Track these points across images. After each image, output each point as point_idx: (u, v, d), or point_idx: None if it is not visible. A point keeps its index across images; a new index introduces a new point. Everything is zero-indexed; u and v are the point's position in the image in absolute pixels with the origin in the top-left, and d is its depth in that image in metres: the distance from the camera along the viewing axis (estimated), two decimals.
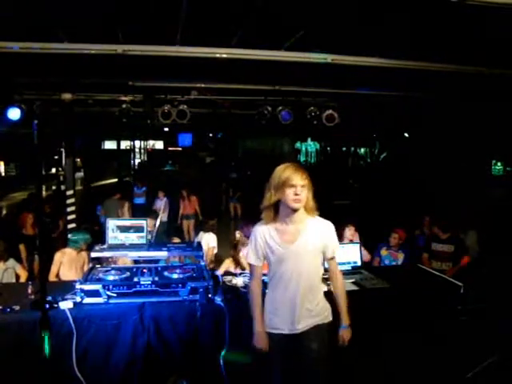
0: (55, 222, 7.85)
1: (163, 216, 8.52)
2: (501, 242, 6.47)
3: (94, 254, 3.66)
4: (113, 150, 21.49)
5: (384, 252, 5.62)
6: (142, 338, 3.31)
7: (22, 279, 4.87)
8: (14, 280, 4.80)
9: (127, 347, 3.29)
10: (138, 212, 9.30)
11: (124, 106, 6.75)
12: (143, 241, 3.78)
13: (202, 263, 3.82)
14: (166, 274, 3.60)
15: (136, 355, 3.30)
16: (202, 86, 6.50)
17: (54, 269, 4.66)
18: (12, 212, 10.67)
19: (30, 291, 3.46)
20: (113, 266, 4.02)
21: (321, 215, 2.72)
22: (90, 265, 3.85)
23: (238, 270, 4.70)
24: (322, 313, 2.71)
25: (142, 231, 3.80)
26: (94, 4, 3.48)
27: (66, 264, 4.73)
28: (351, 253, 4.45)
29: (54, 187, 14.72)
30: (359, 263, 4.46)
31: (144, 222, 3.85)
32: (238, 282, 3.82)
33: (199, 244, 4.03)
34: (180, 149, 24.56)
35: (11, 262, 4.88)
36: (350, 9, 3.51)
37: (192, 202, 9.71)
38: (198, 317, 3.30)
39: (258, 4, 3.46)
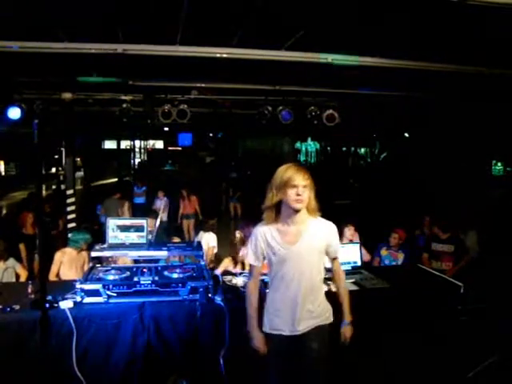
0: (55, 222, 7.86)
1: (163, 216, 8.54)
2: (501, 242, 6.47)
3: (94, 254, 3.66)
4: (113, 150, 21.54)
5: (384, 252, 5.63)
6: (142, 337, 3.31)
7: (22, 278, 4.87)
8: (14, 279, 4.81)
9: (127, 347, 3.29)
10: (137, 211, 9.31)
11: (124, 105, 6.75)
12: (143, 240, 3.78)
13: (202, 263, 3.82)
14: (166, 273, 3.60)
15: (136, 355, 3.30)
16: (203, 85, 6.50)
17: (54, 268, 4.67)
18: (12, 211, 10.67)
19: (30, 290, 3.46)
20: (113, 265, 4.02)
21: (321, 215, 2.71)
22: (90, 264, 3.86)
23: (237, 270, 4.70)
24: (323, 314, 2.70)
25: (142, 231, 3.80)
26: (94, 3, 3.48)
27: (67, 263, 4.73)
28: (351, 253, 4.45)
29: (54, 186, 14.74)
30: (359, 263, 4.47)
31: (144, 221, 3.85)
32: (238, 281, 3.82)
33: (199, 244, 4.03)
34: (180, 148, 24.60)
35: (11, 261, 4.88)
36: (350, 9, 3.51)
37: (192, 201, 9.72)
38: (197, 316, 3.31)
39: (258, 4, 3.46)
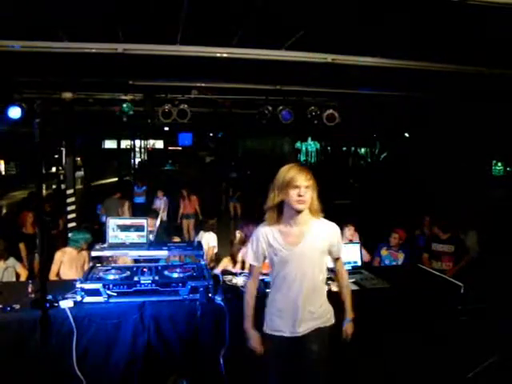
0: (55, 221, 7.86)
1: (163, 215, 8.54)
2: (501, 242, 6.47)
3: (94, 253, 3.66)
4: (113, 149, 21.53)
5: (384, 252, 5.63)
6: (142, 337, 3.31)
7: (22, 278, 4.87)
8: (14, 279, 4.81)
9: (127, 346, 3.29)
10: (138, 211, 9.31)
11: (124, 105, 6.75)
12: (143, 240, 3.78)
13: (203, 262, 3.82)
14: (166, 273, 3.60)
15: (136, 354, 3.30)
16: (203, 85, 6.50)
17: (54, 268, 4.67)
18: (12, 211, 10.67)
19: (30, 290, 3.46)
20: (113, 265, 4.02)
21: (324, 216, 2.70)
22: (91, 264, 3.86)
23: (236, 269, 4.70)
24: (324, 315, 2.68)
25: (143, 230, 3.80)
26: (94, 3, 3.48)
27: (67, 263, 4.74)
28: (351, 253, 4.45)
29: (54, 186, 14.74)
30: (359, 263, 4.47)
31: (144, 221, 3.85)
32: (238, 281, 3.82)
33: (199, 243, 4.03)
34: (180, 148, 24.58)
35: (11, 260, 4.89)
36: (350, 9, 3.51)
37: (192, 201, 9.72)
38: (198, 316, 3.30)
39: (258, 4, 3.46)
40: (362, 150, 20.29)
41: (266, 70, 5.32)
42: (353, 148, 20.41)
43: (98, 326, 3.24)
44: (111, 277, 3.49)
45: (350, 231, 5.60)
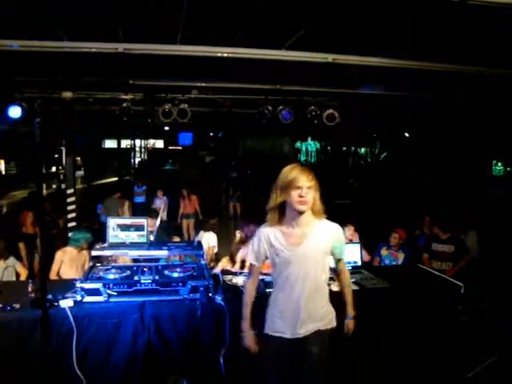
0: (55, 221, 7.86)
1: (163, 215, 8.54)
2: (501, 242, 6.47)
3: (94, 253, 3.66)
4: (113, 149, 21.52)
5: (384, 252, 5.63)
6: (142, 336, 3.31)
7: (22, 277, 4.87)
8: (14, 278, 4.81)
9: (127, 346, 3.29)
10: (138, 211, 9.32)
11: (124, 104, 6.76)
12: (144, 239, 3.78)
13: (203, 262, 3.82)
14: (166, 272, 3.60)
15: (136, 354, 3.30)
16: (203, 84, 6.50)
17: (54, 267, 4.67)
18: (12, 210, 10.67)
19: (30, 289, 3.46)
20: (113, 264, 4.02)
21: (326, 217, 2.69)
22: (91, 263, 3.85)
23: (235, 269, 4.70)
24: (325, 316, 2.66)
25: (143, 230, 3.80)
26: (94, 3, 3.48)
27: (67, 262, 4.74)
28: (351, 253, 4.44)
29: (54, 186, 14.76)
30: (359, 263, 4.47)
31: (144, 220, 3.84)
32: (239, 281, 3.82)
33: (200, 243, 4.03)
34: (180, 148, 24.61)
35: (11, 260, 4.89)
36: (350, 8, 3.52)
37: (192, 201, 9.72)
38: (198, 316, 3.30)
39: (258, 4, 3.46)
40: (362, 149, 20.28)
41: (266, 70, 5.32)
42: (353, 148, 20.40)
43: (98, 325, 3.23)
44: (111, 276, 3.49)
45: (349, 231, 5.61)
